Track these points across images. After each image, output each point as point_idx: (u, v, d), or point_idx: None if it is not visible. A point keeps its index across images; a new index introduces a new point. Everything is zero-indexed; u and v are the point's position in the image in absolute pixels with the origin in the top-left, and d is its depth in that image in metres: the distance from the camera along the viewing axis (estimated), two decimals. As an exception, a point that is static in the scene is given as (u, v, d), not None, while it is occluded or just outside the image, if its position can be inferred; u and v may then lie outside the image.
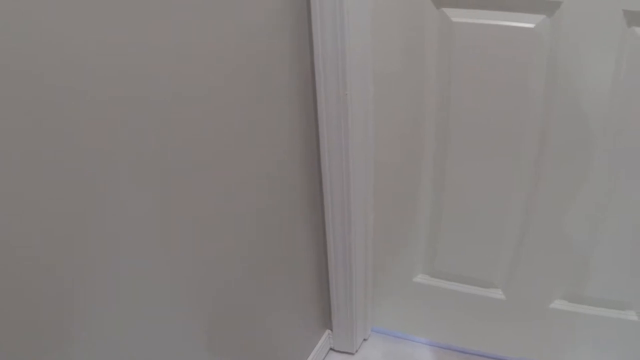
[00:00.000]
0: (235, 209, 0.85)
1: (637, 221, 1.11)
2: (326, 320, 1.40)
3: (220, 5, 0.70)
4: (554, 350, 1.40)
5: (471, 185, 1.14)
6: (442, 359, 1.44)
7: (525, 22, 0.93)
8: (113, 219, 0.59)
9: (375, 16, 0.99)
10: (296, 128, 0.99)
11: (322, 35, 0.94)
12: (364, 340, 1.48)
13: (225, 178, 0.81)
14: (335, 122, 1.01)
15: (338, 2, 0.89)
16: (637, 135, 0.98)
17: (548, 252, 1.20)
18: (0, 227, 0.47)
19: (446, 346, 1.45)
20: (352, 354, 1.45)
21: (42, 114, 0.48)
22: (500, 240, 1.20)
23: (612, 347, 1.37)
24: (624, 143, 1.00)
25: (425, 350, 1.45)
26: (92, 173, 0.55)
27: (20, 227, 0.49)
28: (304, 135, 1.02)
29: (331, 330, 1.42)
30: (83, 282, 0.57)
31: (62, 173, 0.52)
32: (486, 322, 1.37)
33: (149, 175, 0.64)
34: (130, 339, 0.68)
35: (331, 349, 1.46)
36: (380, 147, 1.15)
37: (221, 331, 0.92)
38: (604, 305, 1.29)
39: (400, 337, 1.49)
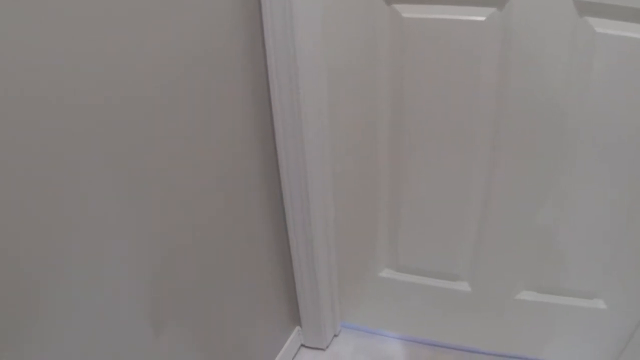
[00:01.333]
0: (195, 208, 0.84)
1: (599, 210, 1.11)
2: (295, 316, 1.40)
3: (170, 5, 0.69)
4: (523, 341, 1.41)
5: (428, 179, 1.14)
6: (412, 352, 1.44)
7: (476, 16, 0.92)
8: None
9: (326, 13, 0.97)
10: (251, 125, 0.97)
11: (273, 33, 0.92)
12: (335, 336, 1.48)
13: (183, 181, 0.80)
14: (290, 120, 1.00)
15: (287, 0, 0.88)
16: (594, 124, 0.98)
17: (510, 244, 1.20)
18: None
19: (416, 339, 1.46)
20: (323, 349, 1.44)
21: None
22: (462, 233, 1.20)
23: (582, 336, 1.38)
24: (582, 132, 0.99)
25: (395, 344, 1.46)
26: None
27: None
28: (260, 132, 1.01)
29: (301, 326, 1.42)
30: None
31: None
32: (454, 314, 1.37)
33: (112, 164, 0.62)
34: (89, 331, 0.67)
35: (302, 345, 1.46)
36: (336, 144, 1.14)
37: (184, 327, 0.91)
38: (572, 294, 1.30)
39: (371, 331, 1.49)
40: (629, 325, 1.32)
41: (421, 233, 1.23)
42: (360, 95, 1.07)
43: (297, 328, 1.43)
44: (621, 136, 0.98)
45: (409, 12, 0.94)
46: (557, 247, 1.20)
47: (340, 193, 1.21)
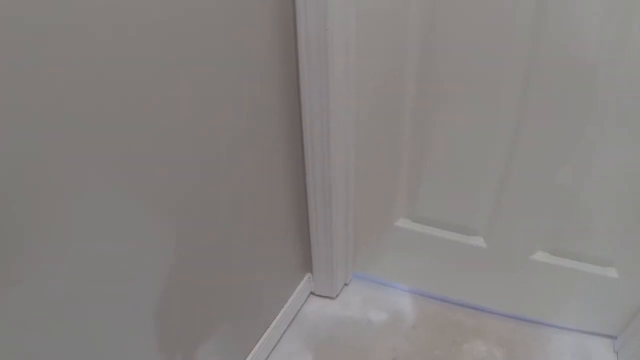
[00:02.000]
0: (211, 139, 0.83)
1: (621, 176, 1.08)
2: (307, 263, 1.39)
3: None
4: (533, 303, 1.40)
5: (453, 128, 1.11)
6: (421, 306, 1.44)
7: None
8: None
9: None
10: (274, 56, 0.95)
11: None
12: (345, 285, 1.48)
13: (202, 99, 0.78)
14: (315, 56, 0.98)
15: None
16: (626, 84, 0.94)
17: (530, 202, 1.18)
18: None
19: (426, 294, 1.45)
20: (332, 298, 1.45)
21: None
22: (482, 187, 1.18)
23: (591, 303, 1.37)
24: (615, 90, 0.96)
25: (405, 297, 1.45)
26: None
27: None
28: (283, 65, 0.99)
29: (312, 274, 1.42)
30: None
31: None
32: (467, 270, 1.36)
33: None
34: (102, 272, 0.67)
35: (312, 293, 1.46)
36: (362, 86, 1.11)
37: (197, 271, 0.91)
38: (585, 260, 1.28)
39: (382, 283, 1.48)
40: (634, 296, 1.30)
41: (441, 184, 1.21)
42: (390, 33, 1.03)
43: (309, 275, 1.43)
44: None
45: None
46: (576, 210, 1.17)
47: (363, 136, 1.19)
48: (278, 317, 1.30)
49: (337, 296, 1.45)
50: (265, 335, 1.25)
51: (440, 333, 1.39)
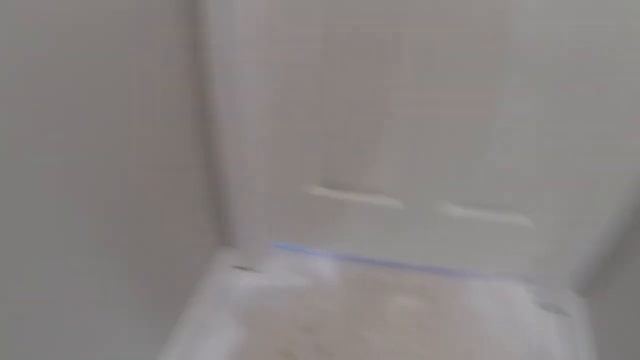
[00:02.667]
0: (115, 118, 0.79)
1: (527, 127, 1.14)
2: (228, 237, 1.39)
3: None
4: (452, 254, 1.47)
5: (357, 92, 1.12)
6: (345, 269, 1.48)
7: None
8: None
9: None
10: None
11: None
12: (268, 255, 1.50)
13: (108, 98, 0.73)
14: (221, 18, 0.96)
15: None
16: (528, 45, 0.98)
17: (438, 159, 1.22)
18: None
19: (349, 257, 1.50)
20: (257, 270, 1.46)
21: None
22: (390, 148, 1.21)
23: (506, 249, 1.45)
24: (515, 52, 1.00)
25: (328, 263, 1.49)
26: None
27: None
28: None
29: (234, 247, 1.42)
30: None
31: None
32: (385, 230, 1.41)
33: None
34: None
35: (236, 266, 1.47)
36: (270, 55, 1.10)
37: (111, 252, 0.88)
38: (498, 210, 1.36)
39: (305, 250, 1.51)
40: (553, 241, 1.40)
41: (350, 149, 1.23)
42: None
43: (231, 250, 1.43)
44: (555, 57, 1.00)
45: None
46: (483, 163, 1.23)
47: (272, 108, 1.19)
48: (203, 293, 1.30)
49: (262, 268, 1.47)
50: (192, 311, 1.25)
51: (363, 292, 1.44)
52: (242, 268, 1.45)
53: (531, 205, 1.33)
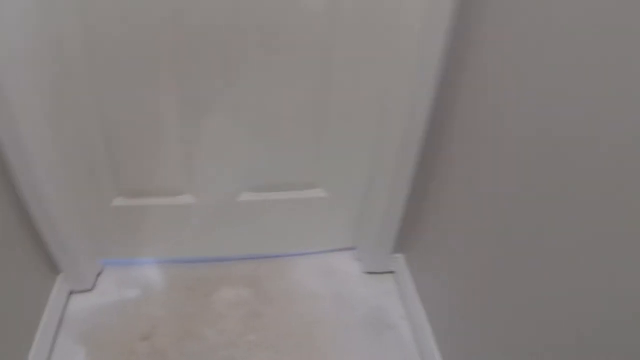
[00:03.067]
0: None
1: (294, 107, 1.24)
2: (56, 265, 1.42)
3: None
4: (267, 239, 1.55)
5: (129, 100, 1.18)
6: (170, 273, 1.54)
7: None
8: None
9: None
10: None
11: None
12: (99, 274, 1.54)
13: None
14: None
15: None
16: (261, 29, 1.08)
17: (218, 151, 1.30)
18: None
19: (172, 260, 1.55)
20: (90, 291, 1.50)
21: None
22: (172, 150, 1.28)
23: (316, 224, 1.54)
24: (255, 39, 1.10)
25: (154, 269, 1.54)
26: None
27: None
28: None
29: (64, 273, 1.46)
30: None
31: None
32: (196, 227, 1.48)
33: None
34: None
35: (71, 291, 1.51)
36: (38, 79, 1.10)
37: None
38: (292, 188, 1.44)
39: (131, 262, 1.56)
40: (351, 207, 1.48)
41: (138, 155, 1.29)
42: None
43: (61, 275, 1.46)
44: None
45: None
46: (262, 147, 1.32)
47: (58, 134, 1.21)
48: (43, 323, 1.32)
49: (94, 287, 1.51)
50: (35, 344, 1.27)
51: (190, 291, 1.50)
52: (75, 292, 1.49)
53: (321, 177, 1.41)
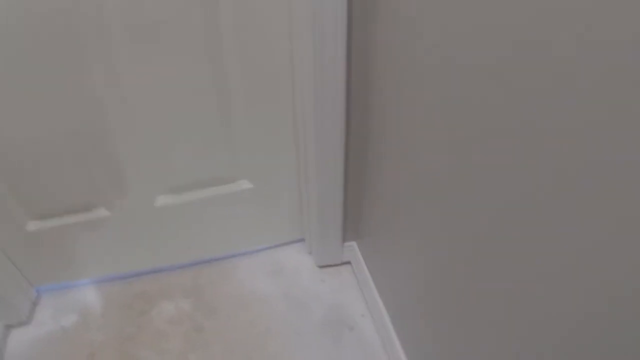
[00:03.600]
0: None
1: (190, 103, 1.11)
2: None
3: None
4: (201, 243, 1.42)
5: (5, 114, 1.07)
6: (106, 292, 1.43)
7: None
8: None
9: None
10: None
11: None
12: (35, 304, 1.44)
13: None
14: None
15: None
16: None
17: (125, 155, 1.18)
18: None
19: (106, 278, 1.44)
20: (26, 322, 1.41)
21: None
22: (69, 159, 1.16)
23: (252, 218, 1.39)
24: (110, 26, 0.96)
25: (89, 290, 1.44)
26: None
27: None
28: None
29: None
30: None
31: None
32: (123, 240, 1.36)
33: None
34: None
35: (7, 325, 1.42)
36: None
37: None
38: (214, 184, 1.30)
39: (64, 286, 1.46)
40: (286, 195, 1.34)
41: (38, 173, 1.18)
42: None
43: (-4, 310, 1.38)
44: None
45: None
46: (169, 145, 1.19)
47: None
48: None
49: (31, 318, 1.41)
50: None
51: (128, 309, 1.38)
52: (12, 325, 1.40)
53: (242, 168, 1.27)
